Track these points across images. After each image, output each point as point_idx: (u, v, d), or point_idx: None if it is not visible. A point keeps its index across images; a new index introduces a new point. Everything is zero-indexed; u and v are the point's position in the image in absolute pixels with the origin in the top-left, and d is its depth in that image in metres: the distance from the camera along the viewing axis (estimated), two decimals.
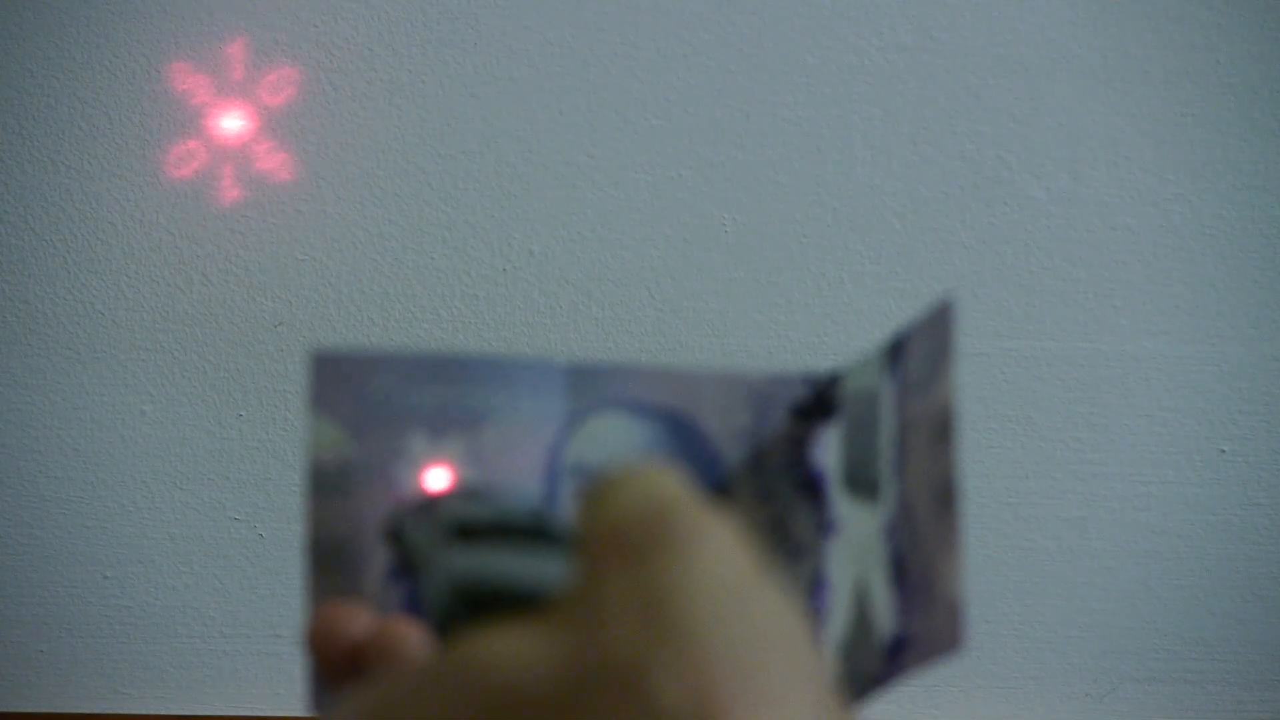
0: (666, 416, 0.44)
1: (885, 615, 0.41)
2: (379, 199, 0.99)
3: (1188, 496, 1.09)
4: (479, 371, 0.43)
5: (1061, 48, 0.97)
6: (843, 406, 0.44)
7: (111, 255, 0.99)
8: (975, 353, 1.04)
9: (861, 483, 0.44)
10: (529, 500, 0.43)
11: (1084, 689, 1.15)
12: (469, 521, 0.37)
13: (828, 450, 0.45)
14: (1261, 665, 1.15)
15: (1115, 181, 1.00)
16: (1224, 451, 1.08)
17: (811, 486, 0.45)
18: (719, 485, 0.45)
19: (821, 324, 1.03)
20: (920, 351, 0.42)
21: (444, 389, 0.43)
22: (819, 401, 0.45)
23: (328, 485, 0.43)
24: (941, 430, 0.40)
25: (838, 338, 1.03)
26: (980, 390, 1.05)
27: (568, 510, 0.41)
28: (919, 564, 0.40)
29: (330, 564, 0.42)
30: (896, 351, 0.43)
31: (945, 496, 0.39)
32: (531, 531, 0.36)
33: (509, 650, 0.30)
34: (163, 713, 1.12)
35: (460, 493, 0.42)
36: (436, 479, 0.43)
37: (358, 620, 0.40)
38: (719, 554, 0.31)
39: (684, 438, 0.44)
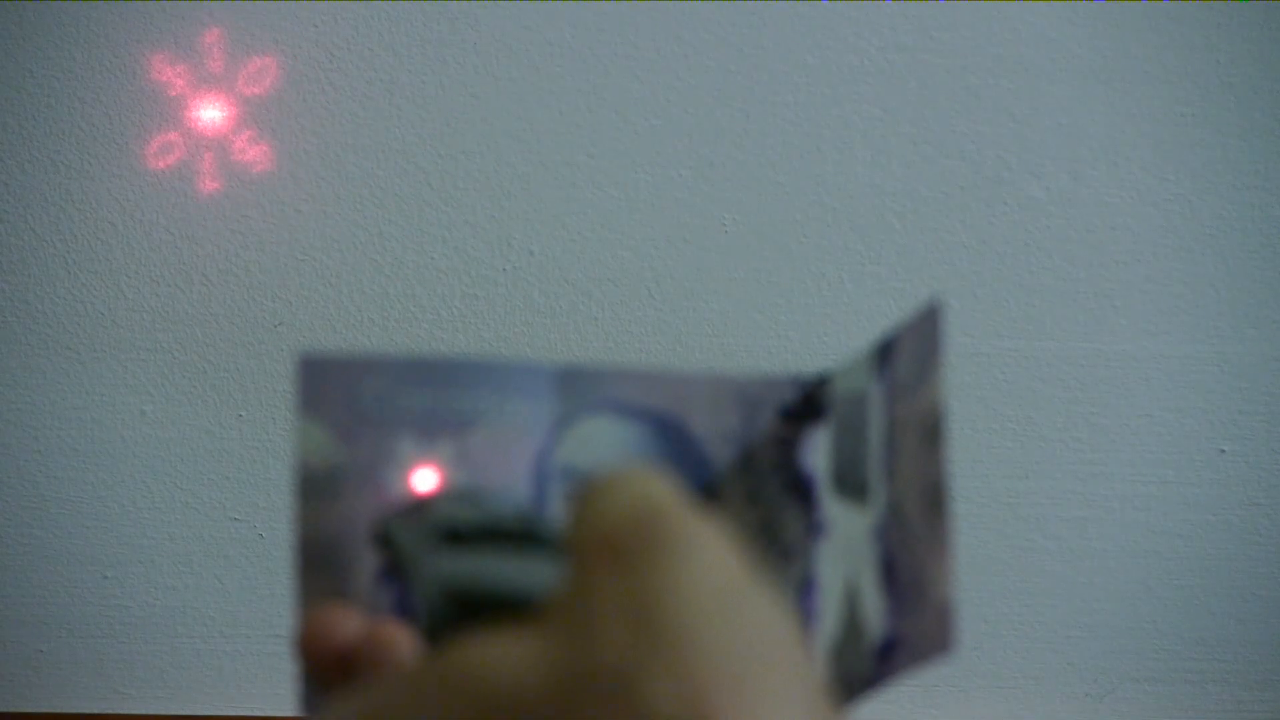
0: (655, 419, 0.44)
1: (875, 617, 0.41)
2: (379, 199, 0.99)
3: (1188, 496, 1.09)
4: (467, 375, 0.43)
5: (1061, 48, 0.97)
6: (831, 408, 0.44)
7: (111, 255, 0.99)
8: (975, 353, 1.04)
9: (851, 484, 0.44)
10: (518, 503, 0.43)
11: (1084, 689, 1.15)
12: (458, 525, 0.37)
13: (816, 452, 0.45)
14: (1261, 665, 1.15)
15: (1115, 181, 1.00)
16: (1224, 451, 1.08)
17: (800, 488, 0.45)
18: (708, 487, 0.44)
19: (821, 324, 1.03)
20: (909, 353, 0.42)
21: (432, 392, 0.43)
22: (807, 403, 0.45)
23: (317, 489, 0.43)
24: (931, 432, 0.40)
25: (838, 338, 1.03)
26: (980, 390, 1.05)
27: (557, 513, 0.40)
28: (909, 566, 0.40)
29: (320, 567, 0.42)
30: (885, 353, 0.43)
31: (935, 498, 0.39)
32: (521, 535, 0.36)
33: (500, 656, 0.30)
34: (163, 713, 1.12)
35: (449, 495, 0.42)
36: (424, 480, 0.43)
37: (348, 623, 0.40)
38: (709, 559, 0.31)
39: (673, 440, 0.44)
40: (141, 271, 1.00)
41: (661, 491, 0.33)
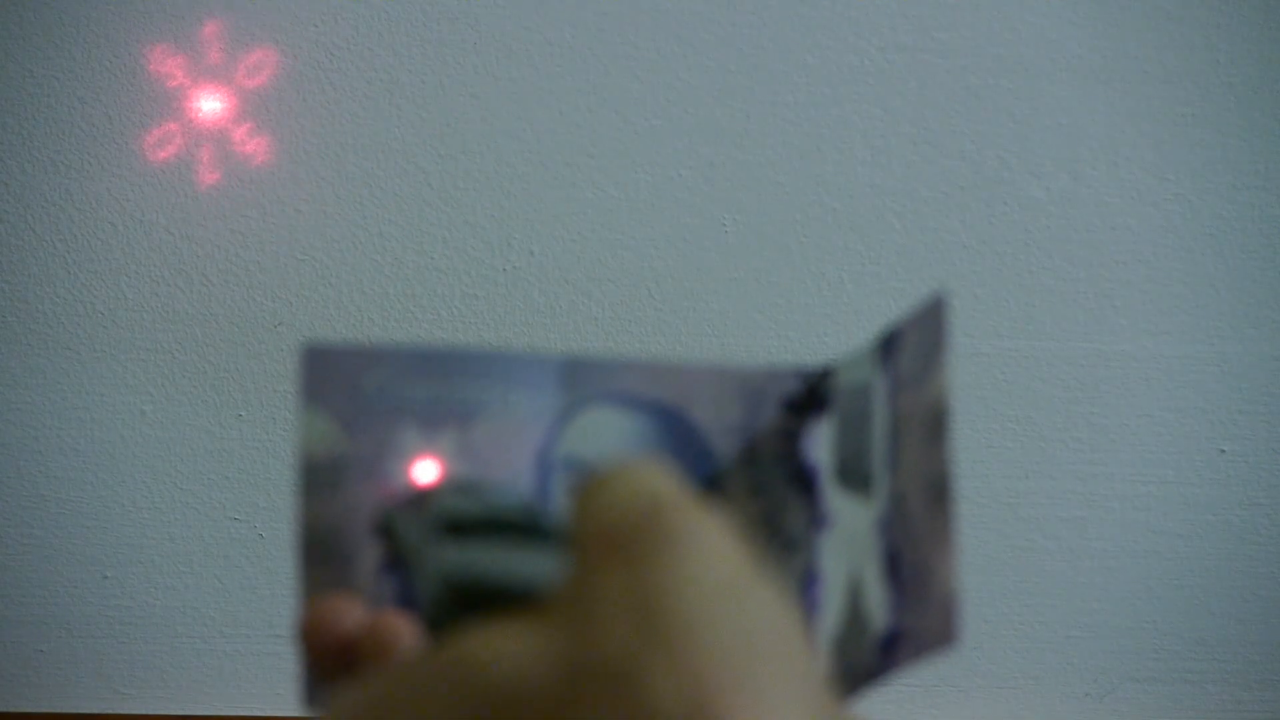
0: (658, 410, 0.44)
1: (878, 609, 0.41)
2: (379, 199, 0.99)
3: (1188, 496, 1.09)
4: (471, 365, 0.43)
5: (1061, 48, 0.97)
6: (834, 400, 0.44)
7: (111, 255, 0.99)
8: (975, 353, 1.04)
9: (854, 476, 0.43)
10: (520, 495, 0.43)
11: (1084, 689, 1.15)
12: (460, 516, 0.37)
13: (820, 444, 0.44)
14: (1261, 665, 1.15)
15: (1115, 181, 1.00)
16: (1224, 451, 1.08)
17: (803, 480, 0.45)
18: (711, 479, 0.44)
19: (821, 324, 1.03)
20: (913, 346, 0.42)
21: (436, 383, 0.43)
22: (811, 395, 0.45)
23: (319, 479, 0.43)
24: (935, 425, 0.40)
25: (838, 338, 1.03)
26: (980, 390, 1.05)
27: (560, 504, 0.40)
28: (912, 558, 0.40)
29: (322, 558, 0.42)
30: (888, 346, 0.43)
31: (939, 491, 0.39)
32: (523, 527, 0.36)
33: (502, 648, 0.30)
34: (163, 713, 1.12)
35: (451, 487, 0.42)
36: (425, 471, 0.43)
37: (350, 614, 0.40)
38: (711, 551, 0.31)
39: (676, 431, 0.44)
40: (141, 271, 1.00)
41: (664, 484, 0.32)
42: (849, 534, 0.43)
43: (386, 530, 0.40)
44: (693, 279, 1.01)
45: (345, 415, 0.43)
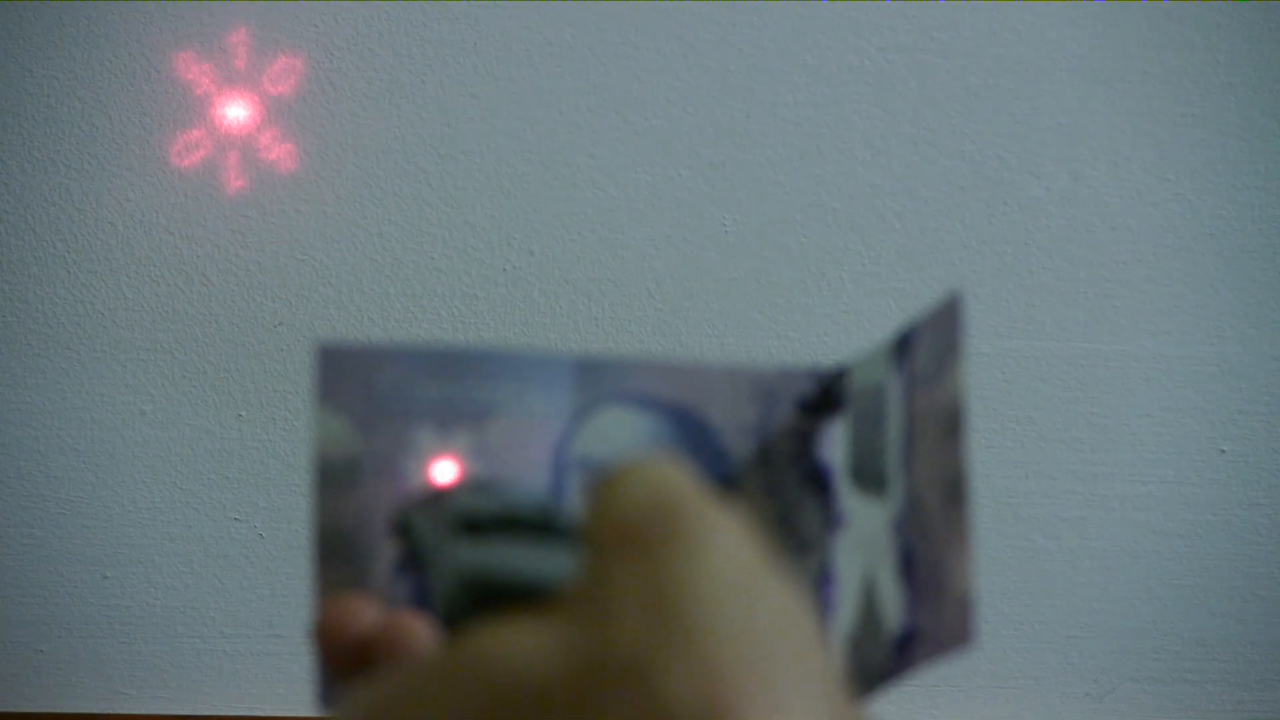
0: (673, 410, 0.44)
1: (894, 610, 0.41)
2: (379, 199, 0.99)
3: (1188, 496, 1.09)
4: (486, 365, 0.43)
5: (1061, 48, 0.97)
6: (849, 401, 0.44)
7: (111, 255, 0.99)
8: (975, 353, 1.04)
9: (869, 477, 0.43)
10: (535, 493, 0.43)
11: (1084, 689, 1.15)
12: (476, 515, 0.37)
13: (834, 444, 0.45)
14: (1261, 665, 1.15)
15: (1115, 181, 1.00)
16: (1224, 451, 1.08)
17: (818, 480, 0.45)
18: (726, 479, 0.44)
19: (821, 324, 1.03)
20: (928, 346, 0.42)
21: (451, 383, 0.43)
22: (825, 396, 0.45)
23: (335, 479, 0.43)
24: (950, 425, 0.40)
25: (838, 338, 1.03)
26: (980, 390, 1.05)
27: (574, 504, 0.41)
28: (928, 558, 0.40)
29: (338, 557, 0.42)
30: (904, 346, 0.43)
31: (955, 491, 0.39)
32: (538, 525, 0.36)
33: (517, 644, 0.30)
34: (163, 713, 1.12)
35: (467, 486, 0.42)
36: (443, 472, 0.43)
37: (365, 613, 0.40)
38: (726, 548, 0.31)
39: (690, 432, 0.44)
40: (141, 271, 1.00)
41: (679, 480, 0.32)
42: (864, 534, 0.43)
43: (403, 529, 0.40)
44: (693, 279, 1.01)
45: (360, 415, 0.43)
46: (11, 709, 1.11)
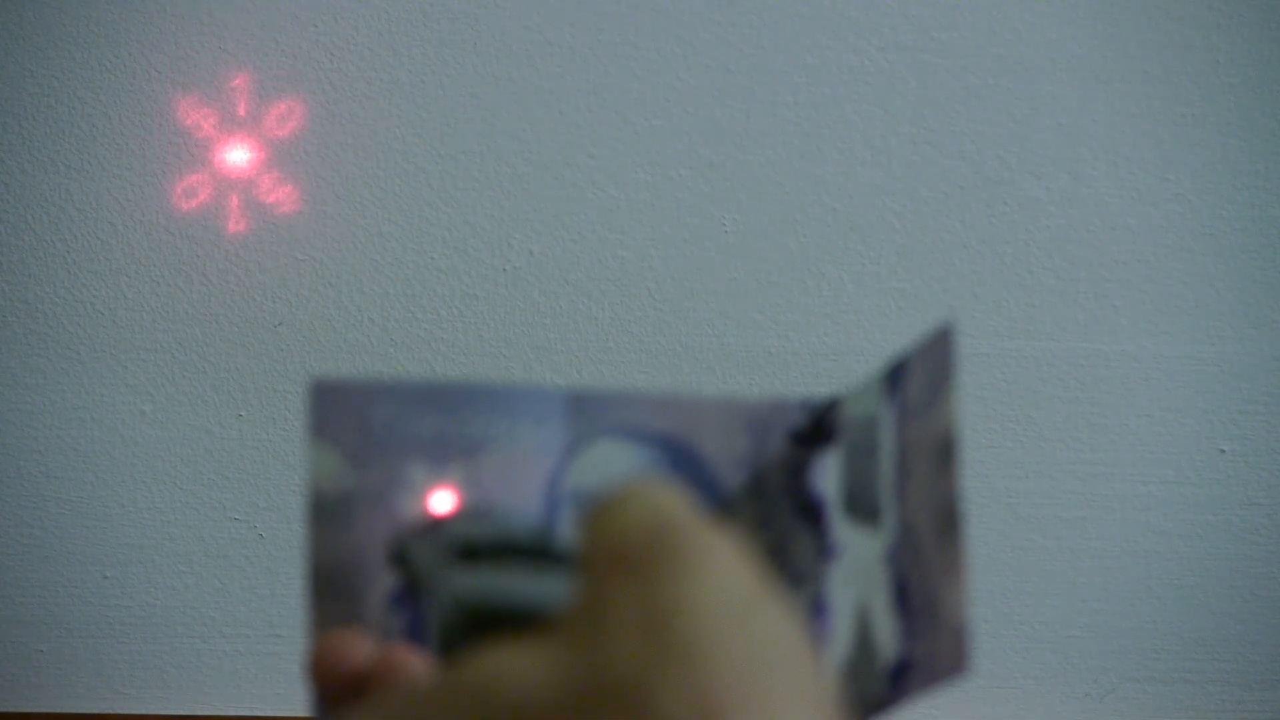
0: (665, 442, 0.44)
1: (888, 640, 0.41)
2: (379, 199, 0.99)
3: (1188, 496, 1.09)
4: (478, 399, 0.43)
5: (1061, 48, 0.97)
6: (841, 432, 0.44)
7: (111, 255, 0.99)
8: (975, 353, 1.04)
9: (862, 507, 0.44)
10: (532, 521, 0.43)
11: (1084, 689, 1.15)
12: (473, 542, 0.37)
13: (827, 475, 0.45)
14: (1261, 665, 1.15)
15: (1115, 181, 1.00)
16: (1224, 451, 1.08)
17: (811, 512, 0.45)
18: (718, 511, 0.45)
19: (821, 324, 1.03)
20: (920, 376, 0.42)
21: (444, 417, 0.43)
22: (817, 427, 0.45)
23: (328, 514, 0.43)
24: (943, 454, 0.40)
25: (838, 338, 1.03)
26: (980, 390, 1.05)
27: (569, 534, 0.41)
28: (921, 588, 0.40)
29: (332, 592, 0.43)
30: (896, 376, 0.43)
31: (948, 520, 0.39)
32: (535, 551, 0.36)
33: (515, 668, 0.30)
34: (163, 713, 1.12)
35: (464, 514, 0.42)
36: (441, 501, 0.43)
37: (360, 648, 0.40)
38: (723, 571, 0.31)
39: (683, 463, 0.44)
40: (141, 271, 1.00)
41: (674, 504, 0.33)
42: (857, 565, 0.43)
43: (400, 557, 0.40)
44: (693, 279, 1.01)
45: (353, 450, 0.43)
46: (11, 709, 1.11)
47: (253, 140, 0.97)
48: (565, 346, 1.02)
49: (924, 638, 0.40)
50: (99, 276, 1.00)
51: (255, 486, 1.06)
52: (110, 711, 1.12)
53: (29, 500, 1.05)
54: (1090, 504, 1.09)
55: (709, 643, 0.29)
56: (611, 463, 0.44)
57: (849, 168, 0.99)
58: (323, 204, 0.99)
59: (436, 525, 0.40)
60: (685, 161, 0.99)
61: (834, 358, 1.03)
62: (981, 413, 1.06)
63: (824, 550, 0.44)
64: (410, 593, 0.42)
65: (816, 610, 0.44)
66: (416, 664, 0.39)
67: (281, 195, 0.98)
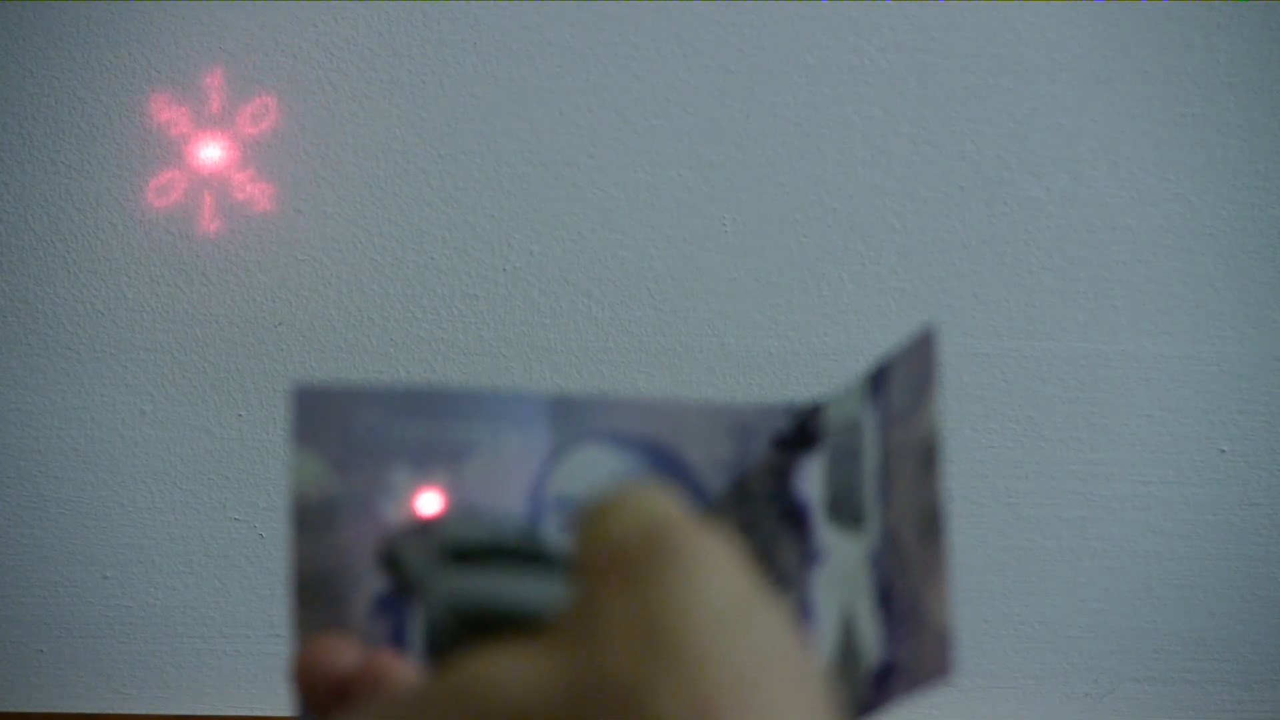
0: (649, 447, 0.44)
1: (872, 643, 0.41)
2: (379, 199, 0.99)
3: (1188, 496, 1.09)
4: (462, 405, 0.43)
5: (1061, 48, 0.97)
6: (825, 436, 0.44)
7: (111, 255, 0.99)
8: (975, 353, 1.04)
9: (846, 512, 0.44)
10: (522, 523, 0.43)
11: (1084, 689, 1.15)
12: (464, 544, 0.37)
13: (811, 480, 0.45)
14: (1261, 665, 1.15)
15: (1115, 181, 1.00)
16: (1224, 451, 1.08)
17: (795, 516, 0.45)
18: (702, 516, 0.45)
19: (821, 324, 1.03)
20: (903, 380, 0.42)
21: (427, 423, 0.43)
22: (801, 432, 0.45)
23: (312, 520, 0.43)
24: (926, 458, 0.40)
25: (838, 338, 1.03)
26: (980, 390, 1.05)
27: (553, 541, 0.41)
28: (905, 592, 0.40)
29: (316, 598, 0.42)
30: (878, 380, 0.43)
31: (931, 524, 0.39)
32: (526, 553, 0.36)
33: (509, 671, 0.30)
34: (163, 713, 1.12)
35: (454, 515, 0.42)
36: (429, 502, 0.43)
37: (344, 654, 0.40)
38: (716, 574, 0.31)
39: (667, 468, 0.44)
40: (141, 271, 1.00)
41: (667, 507, 0.33)
42: (841, 569, 0.43)
43: (392, 560, 0.40)
44: (693, 279, 1.01)
45: (336, 456, 0.43)
46: (11, 709, 1.11)
47: (253, 140, 0.97)
48: (565, 347, 1.02)
49: (908, 641, 0.40)
50: (99, 276, 1.00)
51: (255, 486, 1.06)
52: (110, 711, 1.12)
53: (29, 500, 1.05)
54: (1090, 504, 1.09)
55: (704, 646, 0.29)
56: (595, 468, 0.44)
57: (849, 168, 0.99)
58: (323, 204, 0.99)
59: (427, 527, 0.40)
60: (685, 161, 0.99)
61: (834, 358, 1.03)
62: (981, 413, 1.06)
63: (808, 555, 0.44)
64: (401, 595, 0.42)
65: (801, 614, 0.44)
66: (401, 670, 0.39)
67: (275, 195, 0.98)
